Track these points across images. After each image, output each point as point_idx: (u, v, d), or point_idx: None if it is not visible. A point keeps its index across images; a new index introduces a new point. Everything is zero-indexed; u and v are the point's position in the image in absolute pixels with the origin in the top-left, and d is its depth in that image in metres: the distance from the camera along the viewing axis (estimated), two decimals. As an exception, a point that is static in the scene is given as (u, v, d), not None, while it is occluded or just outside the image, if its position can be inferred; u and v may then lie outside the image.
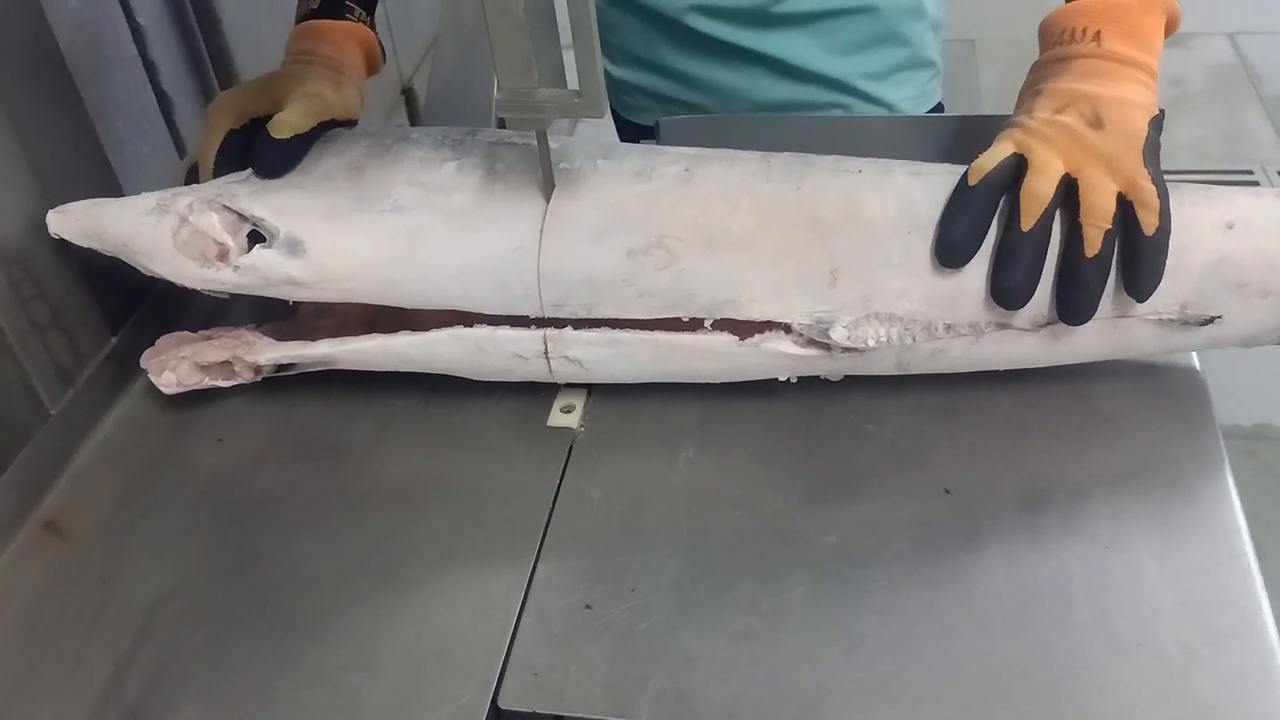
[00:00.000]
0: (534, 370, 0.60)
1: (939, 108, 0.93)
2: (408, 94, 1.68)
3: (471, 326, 0.59)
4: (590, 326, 0.58)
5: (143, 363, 0.63)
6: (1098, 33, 0.57)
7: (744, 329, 0.57)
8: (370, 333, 0.61)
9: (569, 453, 0.60)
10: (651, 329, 0.58)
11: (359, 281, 0.58)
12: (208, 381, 0.62)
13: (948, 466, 0.57)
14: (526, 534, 0.55)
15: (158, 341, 0.63)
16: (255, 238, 0.59)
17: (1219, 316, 0.56)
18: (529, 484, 0.58)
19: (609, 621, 0.51)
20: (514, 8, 0.51)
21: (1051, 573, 0.51)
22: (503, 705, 0.48)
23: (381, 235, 0.58)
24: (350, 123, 0.67)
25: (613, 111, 0.98)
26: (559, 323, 0.58)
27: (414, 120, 1.66)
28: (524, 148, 0.61)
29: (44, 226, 0.61)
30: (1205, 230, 0.55)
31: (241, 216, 0.59)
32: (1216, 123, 2.35)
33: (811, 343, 0.57)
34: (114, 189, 0.68)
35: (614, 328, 0.58)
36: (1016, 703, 0.46)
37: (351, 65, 0.68)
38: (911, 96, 0.89)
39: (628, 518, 0.56)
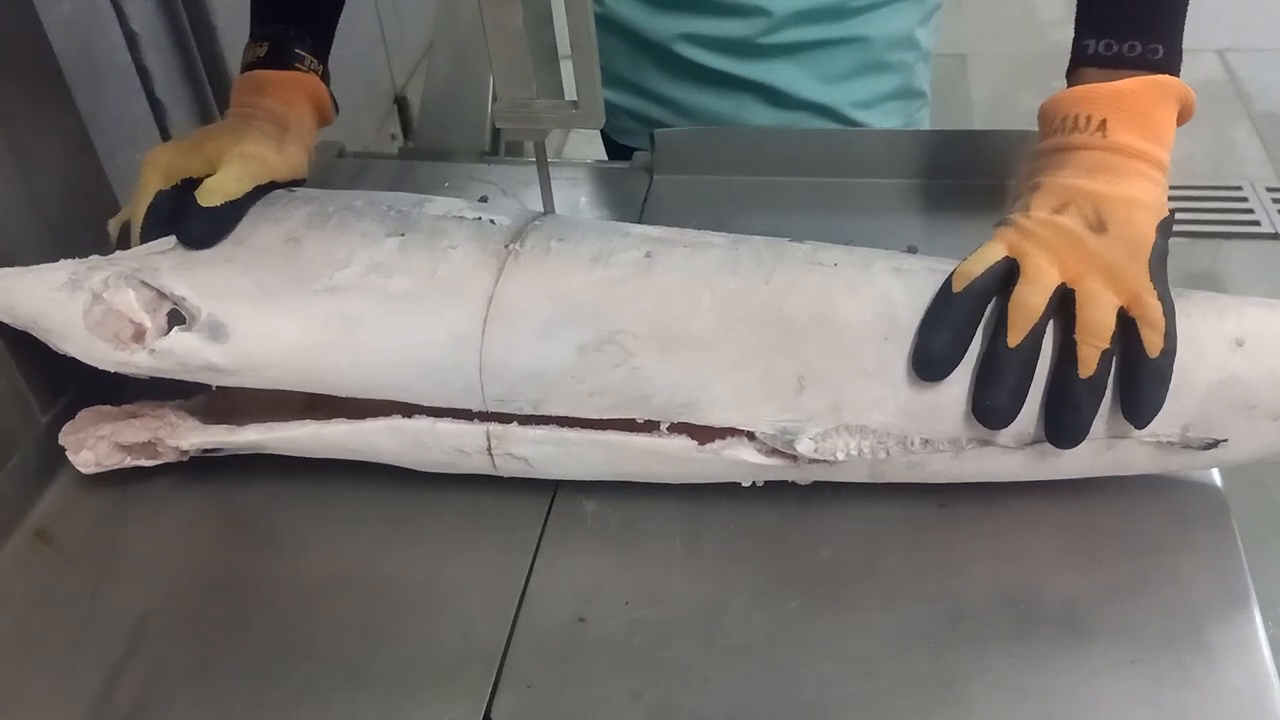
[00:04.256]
0: (477, 465, 0.52)
1: None
2: (400, 102, 1.59)
3: (410, 417, 0.51)
4: (537, 423, 0.51)
5: (61, 439, 0.55)
6: (1103, 122, 0.49)
7: (703, 434, 0.50)
8: (309, 411, 0.54)
9: None
10: (603, 429, 0.50)
11: (286, 370, 0.50)
12: (129, 461, 0.55)
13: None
14: (520, 547, 0.52)
15: (77, 416, 0.55)
16: (176, 317, 0.51)
17: (1224, 440, 0.48)
18: (522, 496, 0.54)
19: (602, 635, 0.48)
20: (513, 19, 0.48)
21: (1046, 588, 0.48)
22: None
23: (314, 320, 0.50)
24: (296, 183, 0.59)
25: (601, 132, 0.93)
26: (504, 418, 0.51)
27: (407, 128, 1.57)
28: (473, 223, 0.53)
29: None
30: (1212, 347, 0.47)
31: (161, 294, 0.51)
32: (1205, 139, 2.27)
33: (776, 452, 0.49)
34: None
35: (562, 426, 0.50)
36: (1011, 719, 0.44)
37: (298, 121, 0.60)
38: (899, 125, 0.84)
39: (621, 531, 0.53)
